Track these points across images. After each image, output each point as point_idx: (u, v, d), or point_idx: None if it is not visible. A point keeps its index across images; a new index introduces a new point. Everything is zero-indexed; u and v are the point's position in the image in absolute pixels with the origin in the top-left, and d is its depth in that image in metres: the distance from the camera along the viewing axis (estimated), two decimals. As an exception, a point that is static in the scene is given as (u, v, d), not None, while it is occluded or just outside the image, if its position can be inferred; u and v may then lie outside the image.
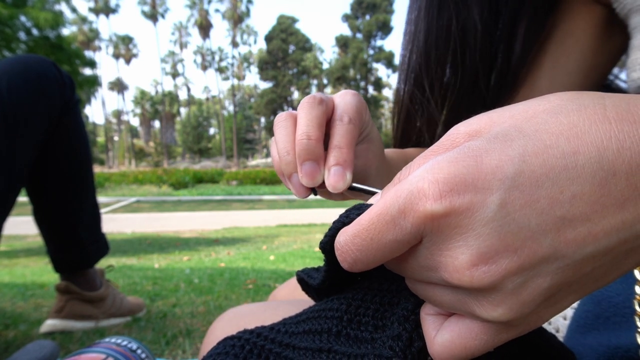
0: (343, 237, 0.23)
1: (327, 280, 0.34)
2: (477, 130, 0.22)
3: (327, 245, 0.28)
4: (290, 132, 0.36)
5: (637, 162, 0.19)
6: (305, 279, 0.39)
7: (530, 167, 0.19)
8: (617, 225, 0.19)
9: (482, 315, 0.21)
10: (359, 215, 0.24)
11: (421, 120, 0.57)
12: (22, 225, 3.67)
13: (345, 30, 66.60)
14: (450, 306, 0.23)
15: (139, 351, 0.78)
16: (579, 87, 0.48)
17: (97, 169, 32.22)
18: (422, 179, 0.20)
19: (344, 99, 0.38)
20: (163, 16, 45.77)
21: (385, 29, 40.86)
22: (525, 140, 0.20)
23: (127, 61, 50.46)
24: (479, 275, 0.20)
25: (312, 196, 0.38)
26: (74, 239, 1.32)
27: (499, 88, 0.51)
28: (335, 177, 0.33)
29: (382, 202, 0.22)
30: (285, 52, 43.58)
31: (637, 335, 0.29)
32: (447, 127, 0.55)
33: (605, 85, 0.55)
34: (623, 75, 0.55)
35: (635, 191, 0.19)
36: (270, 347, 0.37)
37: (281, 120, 0.37)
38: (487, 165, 0.19)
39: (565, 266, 0.19)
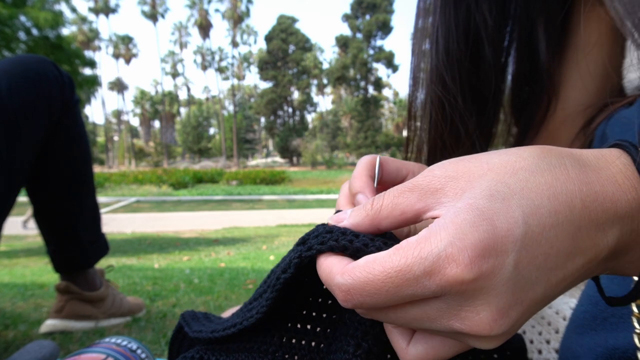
0: (349, 280, 0.24)
1: (277, 303, 0.32)
2: (454, 176, 0.24)
3: (306, 260, 0.28)
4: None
5: (592, 218, 0.23)
6: (231, 332, 0.36)
7: (531, 227, 0.22)
8: (580, 267, 0.23)
9: (479, 346, 0.24)
10: (349, 242, 0.26)
11: (448, 127, 0.56)
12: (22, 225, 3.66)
13: (345, 30, 66.64)
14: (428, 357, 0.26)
15: (139, 351, 0.78)
16: (607, 91, 0.48)
17: (97, 169, 32.21)
18: (451, 245, 0.22)
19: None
20: (163, 16, 45.75)
21: (385, 29, 40.83)
22: (518, 199, 0.22)
23: (127, 61, 50.44)
24: (497, 327, 0.22)
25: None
26: (74, 239, 1.32)
27: (531, 98, 0.51)
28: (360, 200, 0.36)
29: (403, 259, 0.23)
30: (285, 52, 43.56)
31: (635, 336, 0.29)
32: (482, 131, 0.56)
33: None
34: None
35: (592, 240, 0.23)
36: None
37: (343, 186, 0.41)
38: (501, 229, 0.22)
39: (545, 302, 0.24)
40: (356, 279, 0.24)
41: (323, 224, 0.29)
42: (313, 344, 0.33)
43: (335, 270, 0.25)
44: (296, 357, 0.33)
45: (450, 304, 0.23)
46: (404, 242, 0.23)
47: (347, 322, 0.31)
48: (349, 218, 0.28)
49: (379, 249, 0.26)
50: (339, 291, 0.25)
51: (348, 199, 0.38)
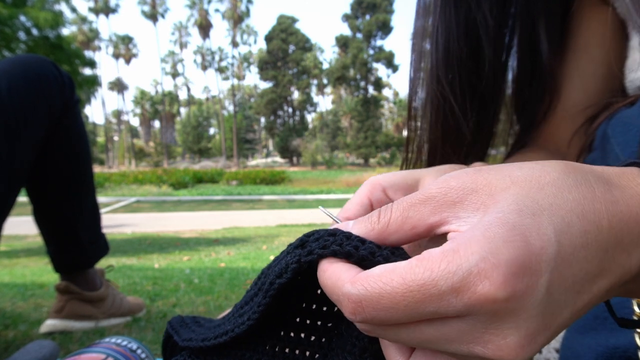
0: (363, 290, 0.21)
1: (264, 313, 0.30)
2: (474, 189, 0.22)
3: (305, 265, 0.25)
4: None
5: (618, 240, 0.22)
6: (222, 340, 0.35)
7: (563, 247, 0.20)
8: (604, 291, 0.22)
9: None
10: (354, 247, 0.23)
11: (448, 127, 0.55)
12: (22, 225, 3.67)
13: (345, 30, 66.57)
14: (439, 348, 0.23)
15: (139, 351, 0.78)
16: (608, 91, 0.48)
17: (97, 169, 32.19)
18: (483, 260, 0.20)
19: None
20: (163, 16, 45.75)
21: (385, 29, 40.83)
22: (549, 216, 0.21)
23: (127, 61, 50.44)
24: (524, 353, 0.20)
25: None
26: (74, 239, 1.32)
27: (533, 97, 0.51)
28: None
29: (427, 272, 0.20)
30: (285, 52, 43.55)
31: (635, 335, 0.29)
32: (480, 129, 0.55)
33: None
34: None
35: (617, 263, 0.22)
36: None
37: None
38: (534, 247, 0.20)
39: (566, 325, 0.22)
40: (370, 289, 0.21)
41: (329, 228, 0.27)
42: (307, 353, 0.31)
43: (344, 277, 0.23)
44: None
45: (475, 326, 0.20)
46: (425, 254, 0.21)
47: (343, 334, 0.29)
48: (351, 230, 0.25)
49: (386, 259, 0.23)
50: (349, 302, 0.22)
51: (357, 206, 0.34)
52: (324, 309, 0.31)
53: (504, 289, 0.19)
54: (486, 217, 0.21)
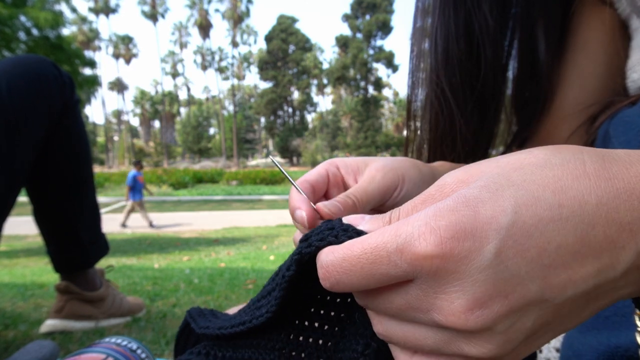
0: (331, 257, 0.24)
1: (284, 302, 0.32)
2: (465, 180, 0.24)
3: (306, 257, 0.28)
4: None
5: (612, 217, 0.21)
6: (240, 329, 0.37)
7: (522, 218, 0.21)
8: (593, 272, 0.21)
9: (471, 353, 0.22)
10: (349, 238, 0.25)
11: (447, 127, 0.56)
12: (22, 225, 3.66)
13: (345, 30, 66.62)
14: (432, 347, 0.24)
15: (139, 351, 0.78)
16: (609, 90, 0.48)
17: (97, 169, 32.21)
18: (425, 224, 0.21)
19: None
20: (163, 16, 45.77)
21: (385, 29, 40.84)
22: (515, 190, 0.21)
23: (127, 61, 50.44)
24: (474, 318, 0.21)
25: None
26: (74, 239, 1.32)
27: (531, 97, 0.51)
28: (298, 217, 0.35)
29: (380, 236, 0.23)
30: (285, 52, 43.57)
31: (637, 334, 0.29)
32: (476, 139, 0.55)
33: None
34: None
35: (611, 243, 0.21)
36: None
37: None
38: (484, 215, 0.21)
39: (547, 308, 0.22)
40: (336, 255, 0.24)
41: (329, 221, 0.28)
42: (320, 341, 0.33)
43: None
44: (303, 355, 0.33)
45: (426, 291, 0.22)
46: (386, 226, 0.24)
47: (356, 322, 0.31)
48: (365, 224, 0.27)
49: None
50: (319, 268, 0.25)
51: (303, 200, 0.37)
52: (337, 300, 0.33)
53: (440, 247, 0.21)
54: (452, 195, 0.22)
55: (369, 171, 0.40)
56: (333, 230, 0.26)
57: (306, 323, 0.34)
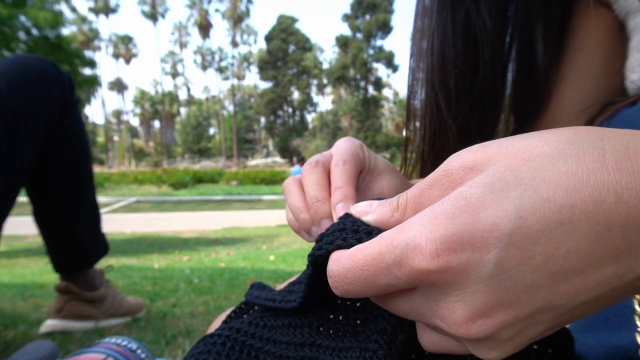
0: (336, 267, 0.24)
1: (310, 295, 0.34)
2: (472, 166, 0.22)
3: (319, 259, 0.28)
4: (299, 194, 0.40)
5: (633, 216, 0.18)
6: (271, 305, 0.38)
7: (526, 223, 0.19)
8: (609, 276, 0.19)
9: (476, 354, 0.22)
10: (357, 240, 0.25)
11: (446, 129, 0.56)
12: (22, 225, 3.66)
13: (345, 30, 66.60)
14: (440, 345, 0.25)
15: (138, 351, 0.78)
16: (607, 91, 0.48)
17: (97, 169, 32.20)
18: (420, 235, 0.20)
19: (337, 146, 0.41)
20: (163, 16, 45.77)
21: (385, 28, 40.85)
22: (521, 190, 0.19)
23: (127, 61, 50.44)
24: (476, 328, 0.20)
25: None
26: (74, 239, 1.32)
27: (529, 98, 0.51)
28: (341, 212, 0.35)
29: (378, 247, 0.22)
30: (285, 52, 43.57)
31: (637, 335, 0.29)
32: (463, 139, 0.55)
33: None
34: None
35: (629, 244, 0.18)
36: (252, 343, 0.38)
37: (288, 185, 0.41)
38: (484, 222, 0.19)
39: (558, 315, 0.20)
40: (341, 266, 0.24)
41: (341, 220, 0.28)
42: (349, 318, 0.34)
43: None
44: (331, 331, 0.34)
45: (428, 298, 0.22)
46: (385, 232, 0.23)
47: (377, 315, 0.32)
48: (373, 213, 0.26)
49: None
50: (329, 278, 0.25)
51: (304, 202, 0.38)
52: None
53: (436, 261, 0.20)
54: (452, 193, 0.21)
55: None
56: (343, 232, 0.26)
57: (339, 301, 0.35)
